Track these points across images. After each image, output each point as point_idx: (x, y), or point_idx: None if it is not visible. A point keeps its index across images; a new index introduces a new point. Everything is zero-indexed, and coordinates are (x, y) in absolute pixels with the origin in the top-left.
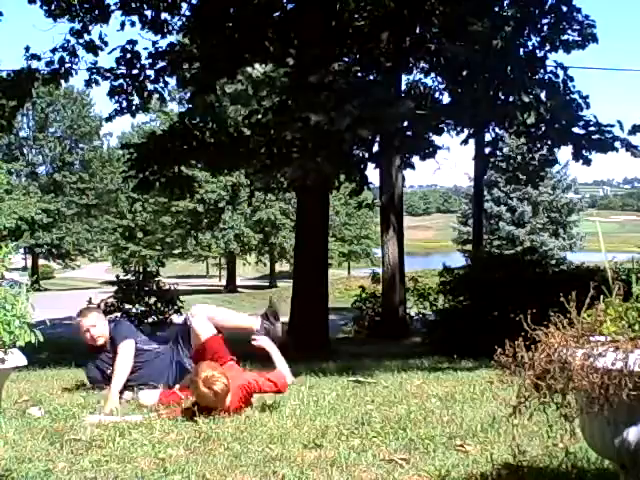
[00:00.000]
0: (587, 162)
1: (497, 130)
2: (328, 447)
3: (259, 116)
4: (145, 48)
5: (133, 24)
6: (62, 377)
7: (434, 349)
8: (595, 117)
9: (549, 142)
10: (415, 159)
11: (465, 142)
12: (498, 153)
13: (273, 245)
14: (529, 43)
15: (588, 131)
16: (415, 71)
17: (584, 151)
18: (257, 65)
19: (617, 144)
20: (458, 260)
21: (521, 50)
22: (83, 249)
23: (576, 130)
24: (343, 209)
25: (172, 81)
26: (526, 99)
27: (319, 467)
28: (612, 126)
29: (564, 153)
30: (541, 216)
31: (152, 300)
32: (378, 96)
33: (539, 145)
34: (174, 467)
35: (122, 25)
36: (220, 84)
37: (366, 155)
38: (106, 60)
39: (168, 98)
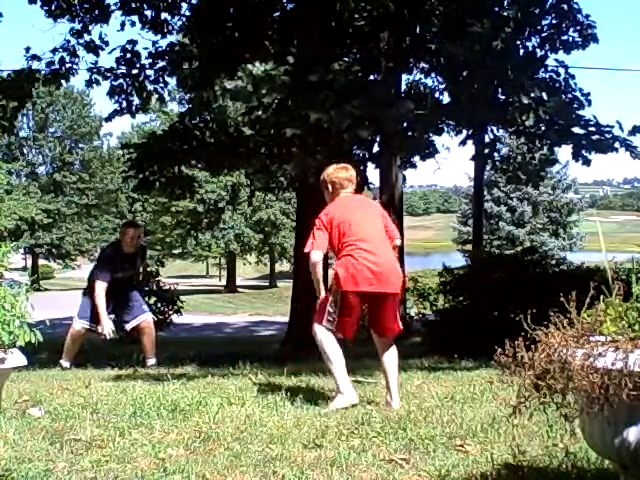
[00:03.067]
0: (587, 162)
1: (496, 131)
2: (328, 447)
3: (259, 112)
4: (145, 48)
5: (133, 24)
6: (62, 377)
7: (434, 349)
8: (595, 117)
9: (549, 141)
10: (415, 159)
11: (463, 143)
12: (496, 154)
13: (273, 245)
14: (529, 44)
15: (588, 131)
16: (415, 71)
17: (584, 151)
18: (257, 64)
19: (617, 144)
20: (458, 260)
21: (521, 51)
22: (83, 249)
23: (576, 130)
24: None
25: (172, 81)
26: (525, 100)
27: (319, 467)
28: (612, 127)
29: (564, 153)
30: (541, 216)
31: (152, 300)
32: (378, 96)
33: (539, 145)
34: (174, 467)
35: (122, 25)
36: (220, 82)
37: (366, 155)
38: (106, 60)
39: (168, 98)
